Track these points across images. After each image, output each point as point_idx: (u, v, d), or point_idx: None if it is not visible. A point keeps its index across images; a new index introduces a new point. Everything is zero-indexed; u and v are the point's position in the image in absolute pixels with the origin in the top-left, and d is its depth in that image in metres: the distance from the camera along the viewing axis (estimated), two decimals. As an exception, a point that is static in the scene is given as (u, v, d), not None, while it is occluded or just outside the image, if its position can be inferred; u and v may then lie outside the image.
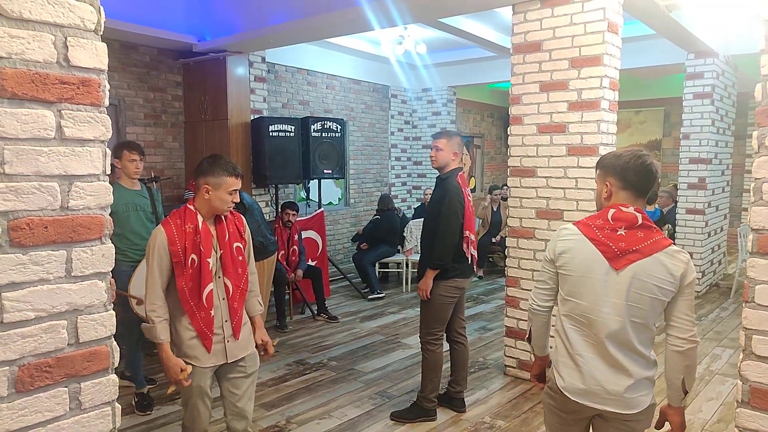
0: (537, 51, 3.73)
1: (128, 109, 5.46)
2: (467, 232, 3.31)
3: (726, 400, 3.67)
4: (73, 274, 1.18)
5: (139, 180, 3.65)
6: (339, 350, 4.71)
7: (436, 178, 3.43)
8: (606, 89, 3.52)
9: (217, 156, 2.31)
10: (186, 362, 2.25)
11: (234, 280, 2.31)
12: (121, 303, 3.33)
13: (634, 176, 1.75)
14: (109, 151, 1.23)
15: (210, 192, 2.22)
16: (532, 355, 2.14)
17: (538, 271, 1.95)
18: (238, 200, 2.30)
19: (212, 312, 2.24)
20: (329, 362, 4.43)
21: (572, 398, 1.82)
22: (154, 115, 5.70)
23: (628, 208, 1.75)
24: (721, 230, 7.01)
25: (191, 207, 2.27)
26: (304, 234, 5.93)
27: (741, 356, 1.59)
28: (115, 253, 3.75)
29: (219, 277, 2.29)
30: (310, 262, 5.89)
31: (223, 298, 2.30)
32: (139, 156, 3.52)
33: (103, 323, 1.24)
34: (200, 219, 2.25)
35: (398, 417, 3.42)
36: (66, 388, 1.18)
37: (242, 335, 2.37)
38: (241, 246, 2.37)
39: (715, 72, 6.05)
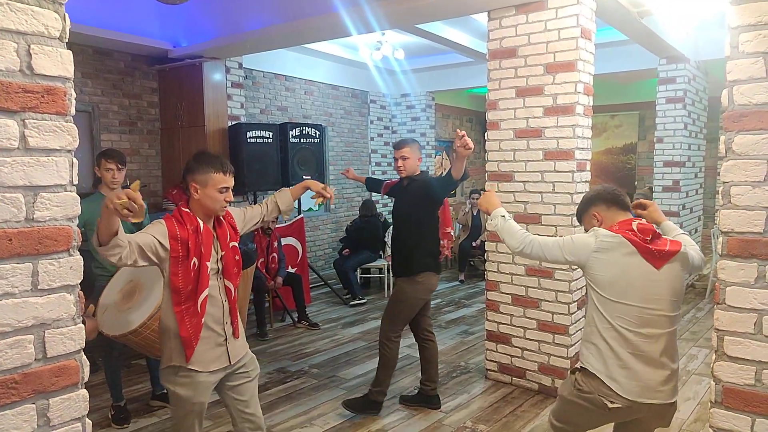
0: (512, 57, 3.76)
1: (103, 116, 5.37)
2: (448, 228, 3.45)
3: (703, 399, 3.73)
4: (39, 288, 1.15)
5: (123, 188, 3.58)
6: (320, 357, 4.67)
7: (406, 179, 3.45)
8: (580, 94, 3.56)
9: (204, 152, 2.17)
10: (191, 370, 2.12)
11: (234, 281, 2.23)
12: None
13: (609, 195, 2.14)
14: (76, 161, 1.20)
15: (198, 191, 2.10)
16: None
17: (555, 241, 2.13)
18: (231, 199, 2.17)
19: (203, 319, 2.12)
20: (310, 370, 4.40)
21: (631, 399, 1.96)
22: (130, 122, 5.61)
23: (639, 220, 2.06)
24: (696, 231, 7.15)
25: (186, 209, 2.13)
26: (284, 241, 5.89)
27: (714, 357, 1.61)
28: (93, 266, 3.66)
29: (220, 278, 2.19)
30: (290, 269, 5.85)
31: (225, 300, 2.20)
32: (116, 165, 3.45)
33: (72, 337, 1.21)
34: (200, 221, 2.13)
35: (349, 406, 3.53)
36: (33, 405, 1.15)
37: (240, 334, 2.30)
38: (236, 244, 2.28)
39: (686, 77, 6.19)
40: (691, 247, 2.11)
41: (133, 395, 3.86)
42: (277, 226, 5.61)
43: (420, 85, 8.56)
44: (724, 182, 1.56)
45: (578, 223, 2.32)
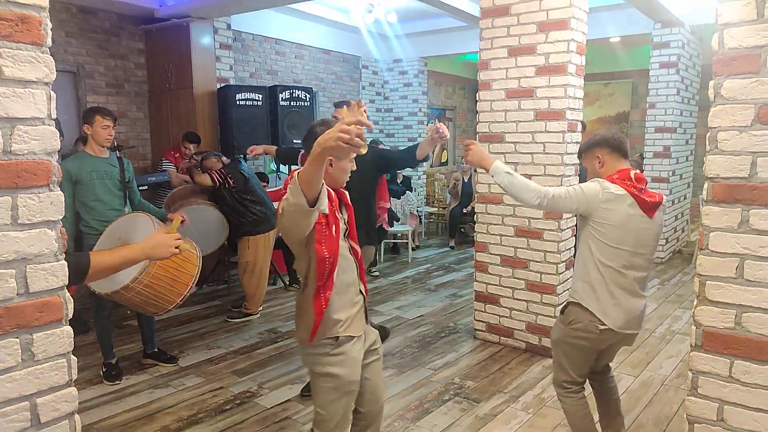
0: (505, 15, 3.70)
1: (88, 77, 5.26)
2: (383, 203, 3.41)
3: (685, 357, 3.81)
4: (19, 222, 1.14)
5: (109, 149, 3.54)
6: (311, 319, 4.71)
7: None
8: (573, 53, 3.53)
9: (327, 120, 1.96)
10: (347, 338, 1.95)
11: (356, 241, 2.08)
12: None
13: (616, 142, 2.28)
14: (54, 95, 1.18)
15: (333, 163, 1.89)
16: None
17: (567, 192, 2.25)
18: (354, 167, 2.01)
19: (339, 284, 1.94)
20: (301, 331, 4.43)
21: (618, 331, 2.22)
22: (116, 84, 5.51)
23: (635, 170, 2.23)
24: (685, 198, 7.20)
25: None
26: (275, 205, 5.87)
27: (695, 302, 1.64)
28: (80, 224, 3.62)
29: (347, 239, 2.01)
30: (280, 234, 5.85)
31: (354, 260, 2.03)
32: (112, 122, 3.42)
33: (55, 273, 1.20)
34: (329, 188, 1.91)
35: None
36: (17, 339, 1.15)
37: None
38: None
39: (680, 41, 6.14)
40: None
41: (125, 354, 3.89)
42: (268, 190, 5.58)
43: (413, 50, 8.44)
44: (712, 128, 1.55)
45: (578, 160, 2.46)
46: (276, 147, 3.88)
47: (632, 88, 10.30)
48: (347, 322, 1.96)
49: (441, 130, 2.65)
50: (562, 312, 2.39)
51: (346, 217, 2.04)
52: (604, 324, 2.22)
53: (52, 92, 1.17)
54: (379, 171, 3.32)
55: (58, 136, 1.19)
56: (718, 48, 1.53)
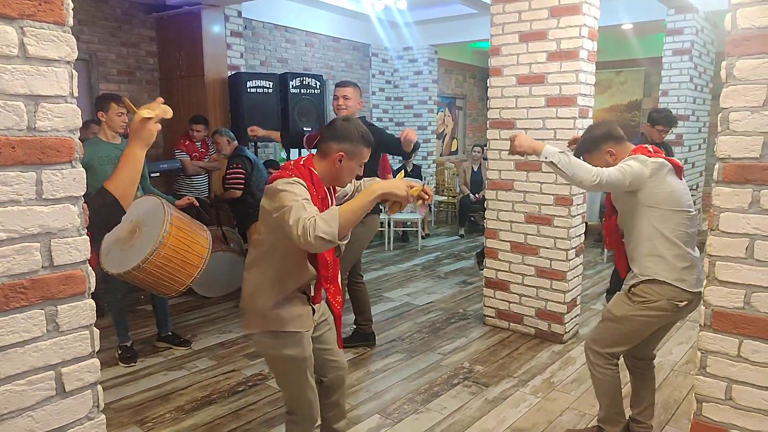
0: (517, 0, 3.69)
1: (100, 65, 5.31)
2: (389, 175, 3.58)
3: (695, 344, 3.81)
4: (44, 197, 1.17)
5: (122, 135, 3.59)
6: (321, 305, 4.76)
7: None
8: (585, 39, 3.51)
9: (351, 120, 2.01)
10: (295, 331, 1.98)
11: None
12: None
13: (616, 131, 2.41)
14: (75, 73, 1.21)
15: (343, 161, 1.93)
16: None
17: (618, 171, 2.26)
18: (361, 173, 2.04)
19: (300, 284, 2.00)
20: (312, 316, 4.49)
21: (694, 291, 2.25)
22: (128, 72, 5.56)
23: (648, 144, 2.37)
24: (697, 187, 7.14)
25: (316, 172, 1.93)
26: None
27: (705, 282, 1.65)
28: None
29: None
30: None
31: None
32: (126, 110, 3.48)
33: (77, 247, 1.23)
34: (326, 190, 1.97)
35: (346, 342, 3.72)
36: (42, 310, 1.19)
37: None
38: None
39: (694, 28, 6.06)
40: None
41: (140, 337, 3.96)
42: (278, 177, 5.62)
43: (423, 38, 8.39)
44: (723, 108, 1.56)
45: (580, 157, 2.37)
46: (279, 132, 4.07)
47: (644, 77, 10.19)
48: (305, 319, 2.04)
49: (407, 135, 3.09)
50: (629, 291, 2.36)
51: None
52: (682, 299, 2.26)
53: (73, 71, 1.20)
54: (379, 150, 3.46)
55: (80, 113, 1.22)
56: (730, 28, 1.53)
